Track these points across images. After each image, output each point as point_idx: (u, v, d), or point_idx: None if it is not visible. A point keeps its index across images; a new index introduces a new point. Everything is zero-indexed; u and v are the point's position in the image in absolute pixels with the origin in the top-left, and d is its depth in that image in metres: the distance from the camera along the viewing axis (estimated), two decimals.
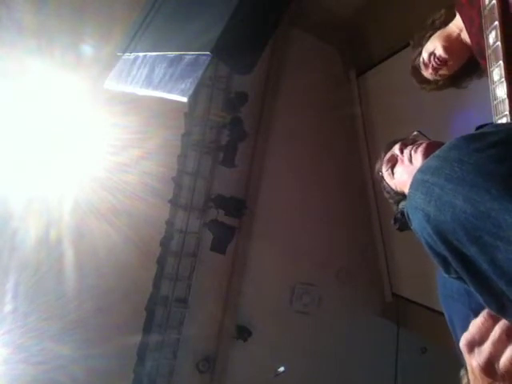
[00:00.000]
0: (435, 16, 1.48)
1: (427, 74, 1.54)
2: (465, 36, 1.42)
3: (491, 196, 0.54)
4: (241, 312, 4.72)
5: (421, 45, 1.52)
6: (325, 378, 4.77)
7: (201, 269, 4.58)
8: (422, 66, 1.53)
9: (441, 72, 1.49)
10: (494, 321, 0.54)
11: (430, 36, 1.49)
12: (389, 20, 4.06)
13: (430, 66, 1.49)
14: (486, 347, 0.52)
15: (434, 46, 1.46)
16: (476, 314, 0.66)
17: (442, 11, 1.47)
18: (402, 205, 1.11)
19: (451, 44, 1.43)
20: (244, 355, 4.61)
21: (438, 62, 1.46)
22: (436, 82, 1.55)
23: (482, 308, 0.60)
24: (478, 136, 0.64)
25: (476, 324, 0.56)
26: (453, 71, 1.49)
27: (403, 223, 1.10)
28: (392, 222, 1.16)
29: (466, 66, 1.48)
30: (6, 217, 3.67)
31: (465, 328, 0.62)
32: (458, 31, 1.43)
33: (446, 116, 3.32)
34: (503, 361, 0.50)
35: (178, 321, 4.51)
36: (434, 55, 1.47)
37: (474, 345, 0.54)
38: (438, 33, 1.48)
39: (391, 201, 1.17)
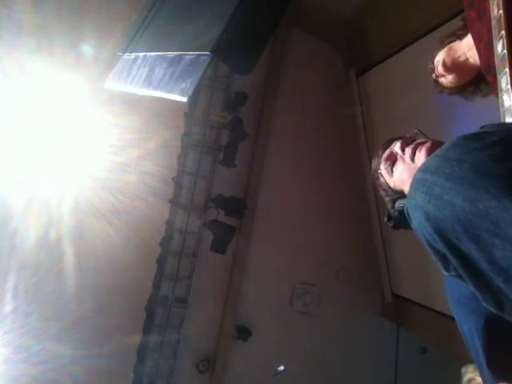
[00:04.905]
0: (459, 25, 1.52)
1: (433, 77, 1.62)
2: (472, 55, 1.45)
3: (490, 194, 0.54)
4: (241, 312, 4.72)
5: (440, 47, 1.57)
6: (325, 378, 4.76)
7: (201, 269, 4.58)
8: (430, 69, 1.62)
9: (441, 81, 1.58)
10: None
11: (450, 43, 1.53)
12: (389, 20, 4.06)
13: (434, 73, 1.58)
14: None
15: (440, 57, 1.54)
16: (485, 319, 0.65)
17: (460, 23, 1.48)
18: (398, 203, 1.10)
19: (452, 62, 1.50)
20: (244, 355, 4.61)
21: (437, 73, 1.56)
22: (442, 86, 1.62)
23: (491, 312, 0.60)
24: (478, 135, 0.64)
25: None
26: (454, 85, 1.56)
27: (399, 221, 1.10)
28: (385, 219, 1.15)
29: (471, 83, 1.54)
30: (6, 217, 3.67)
31: (475, 334, 0.61)
32: (465, 51, 1.48)
33: (446, 115, 3.32)
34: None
35: (178, 321, 4.51)
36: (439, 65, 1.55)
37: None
38: (451, 45, 1.53)
39: (387, 199, 1.15)
